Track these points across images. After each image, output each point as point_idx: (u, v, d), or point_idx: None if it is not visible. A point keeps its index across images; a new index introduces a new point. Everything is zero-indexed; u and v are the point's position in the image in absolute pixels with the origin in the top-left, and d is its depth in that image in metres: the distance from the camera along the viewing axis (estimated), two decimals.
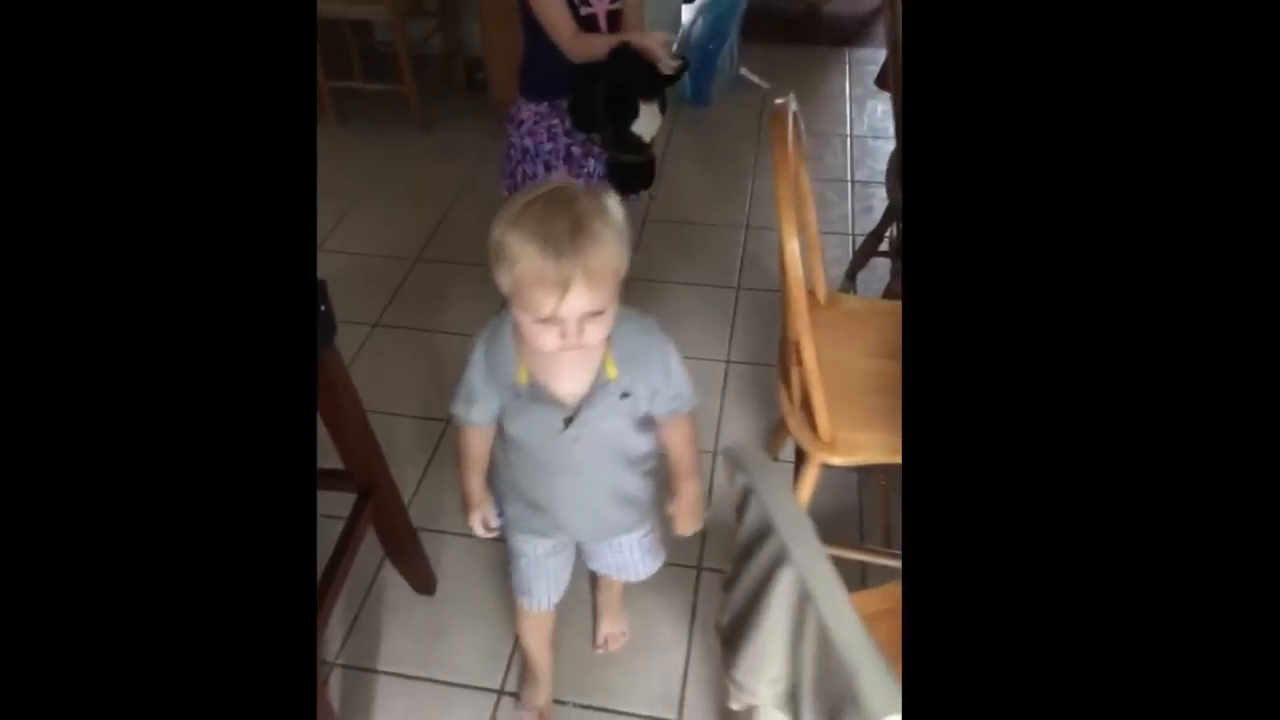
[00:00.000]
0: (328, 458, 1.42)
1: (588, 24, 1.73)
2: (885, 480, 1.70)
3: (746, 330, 2.18)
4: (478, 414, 1.06)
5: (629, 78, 1.67)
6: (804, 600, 0.65)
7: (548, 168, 1.83)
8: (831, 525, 1.68)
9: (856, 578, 1.54)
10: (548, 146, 1.82)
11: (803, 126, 1.30)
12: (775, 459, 1.81)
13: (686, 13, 3.19)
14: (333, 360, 1.24)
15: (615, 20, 1.77)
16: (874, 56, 3.35)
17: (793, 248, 1.08)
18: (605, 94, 1.70)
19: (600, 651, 1.49)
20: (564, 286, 0.84)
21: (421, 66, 3.10)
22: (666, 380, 1.02)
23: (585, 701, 1.42)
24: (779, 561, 0.68)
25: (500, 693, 1.44)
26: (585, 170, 1.88)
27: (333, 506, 1.56)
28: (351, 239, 2.55)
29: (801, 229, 1.26)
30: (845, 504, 1.74)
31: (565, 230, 0.83)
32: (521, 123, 1.83)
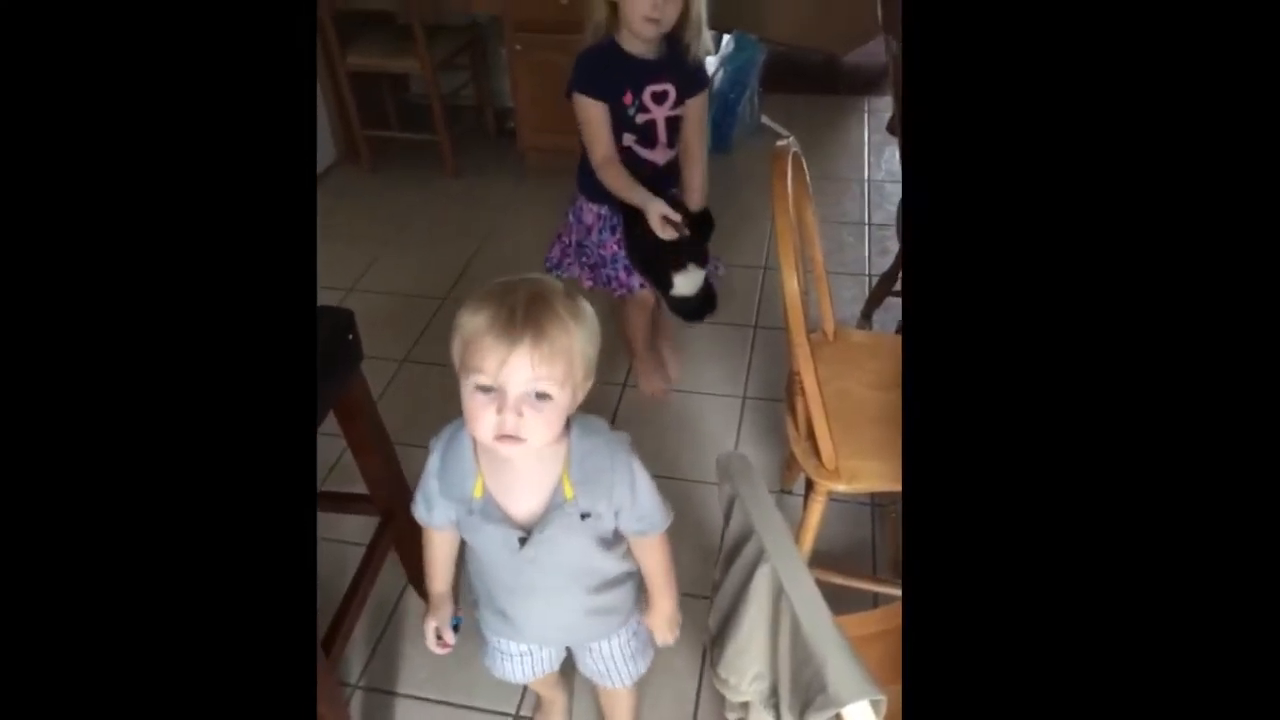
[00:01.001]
0: (353, 484, 1.49)
1: (646, 131, 1.69)
2: (896, 513, 1.73)
3: (763, 367, 2.22)
4: (438, 518, 1.01)
5: (660, 253, 1.64)
6: (780, 594, 0.69)
7: (629, 272, 1.82)
8: (845, 557, 1.70)
9: (868, 607, 1.55)
10: (623, 255, 1.79)
11: (805, 167, 1.36)
12: (789, 491, 1.84)
13: (709, 64, 3.30)
14: (359, 388, 1.31)
15: (675, 126, 1.72)
16: (890, 105, 3.43)
17: (790, 277, 1.13)
18: (641, 262, 1.70)
19: None
20: (509, 347, 0.80)
21: (454, 117, 3.23)
22: (632, 500, 0.94)
23: None
24: (759, 560, 0.72)
25: (516, 716, 1.47)
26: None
27: (357, 534, 1.62)
28: (383, 279, 2.65)
29: (806, 266, 1.32)
30: (859, 536, 1.76)
31: (523, 300, 0.81)
32: (589, 229, 1.80)
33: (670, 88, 1.67)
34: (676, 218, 1.63)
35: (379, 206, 3.06)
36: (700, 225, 1.71)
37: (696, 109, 1.74)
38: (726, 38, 3.26)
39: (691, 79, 1.71)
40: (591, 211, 1.80)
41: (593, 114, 1.65)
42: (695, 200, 1.77)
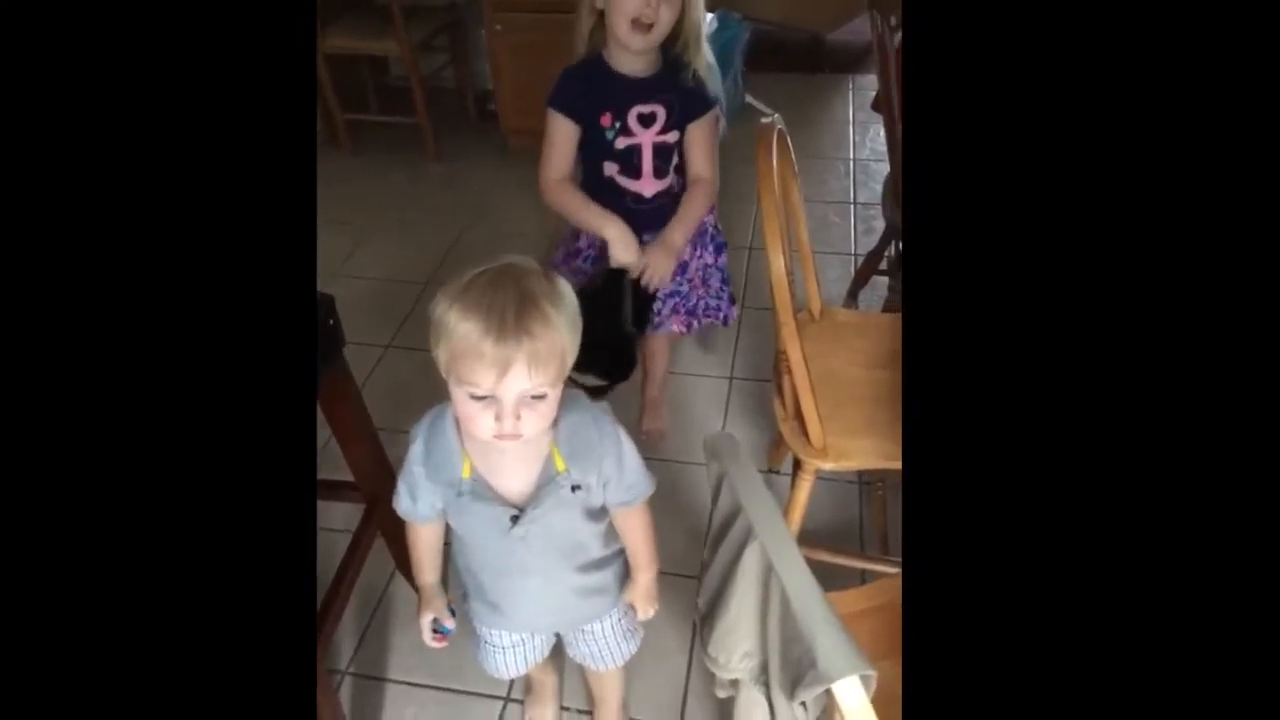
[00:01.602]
0: (338, 470, 1.47)
1: (628, 157, 1.52)
2: (884, 491, 1.74)
3: (749, 348, 2.22)
4: (424, 508, 1.00)
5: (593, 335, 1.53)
6: (769, 572, 0.69)
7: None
8: (833, 535, 1.71)
9: (857, 584, 1.56)
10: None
11: (791, 146, 1.35)
12: (777, 471, 1.85)
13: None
14: (343, 374, 1.30)
15: (665, 154, 1.54)
16: (875, 83, 3.42)
17: (776, 257, 1.13)
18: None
19: None
20: (505, 362, 0.79)
21: (434, 99, 3.20)
22: (619, 470, 0.95)
23: (588, 708, 1.45)
24: (748, 537, 0.72)
25: (507, 700, 1.48)
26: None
27: (343, 520, 1.61)
28: (366, 264, 2.63)
29: (793, 246, 1.31)
30: (847, 515, 1.77)
31: (512, 303, 0.79)
32: (579, 251, 1.66)
33: (660, 109, 1.50)
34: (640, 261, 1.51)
35: (360, 191, 3.02)
36: (619, 362, 1.56)
37: (700, 135, 1.55)
38: (710, 16, 3.24)
39: (690, 100, 1.52)
40: (585, 236, 1.65)
41: (558, 132, 1.51)
42: (675, 234, 1.55)
